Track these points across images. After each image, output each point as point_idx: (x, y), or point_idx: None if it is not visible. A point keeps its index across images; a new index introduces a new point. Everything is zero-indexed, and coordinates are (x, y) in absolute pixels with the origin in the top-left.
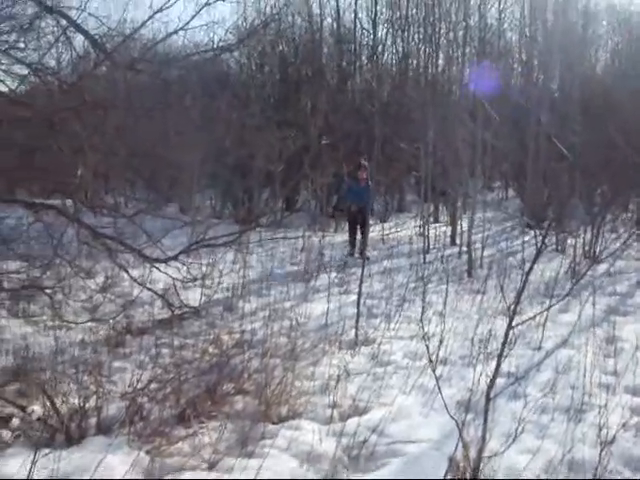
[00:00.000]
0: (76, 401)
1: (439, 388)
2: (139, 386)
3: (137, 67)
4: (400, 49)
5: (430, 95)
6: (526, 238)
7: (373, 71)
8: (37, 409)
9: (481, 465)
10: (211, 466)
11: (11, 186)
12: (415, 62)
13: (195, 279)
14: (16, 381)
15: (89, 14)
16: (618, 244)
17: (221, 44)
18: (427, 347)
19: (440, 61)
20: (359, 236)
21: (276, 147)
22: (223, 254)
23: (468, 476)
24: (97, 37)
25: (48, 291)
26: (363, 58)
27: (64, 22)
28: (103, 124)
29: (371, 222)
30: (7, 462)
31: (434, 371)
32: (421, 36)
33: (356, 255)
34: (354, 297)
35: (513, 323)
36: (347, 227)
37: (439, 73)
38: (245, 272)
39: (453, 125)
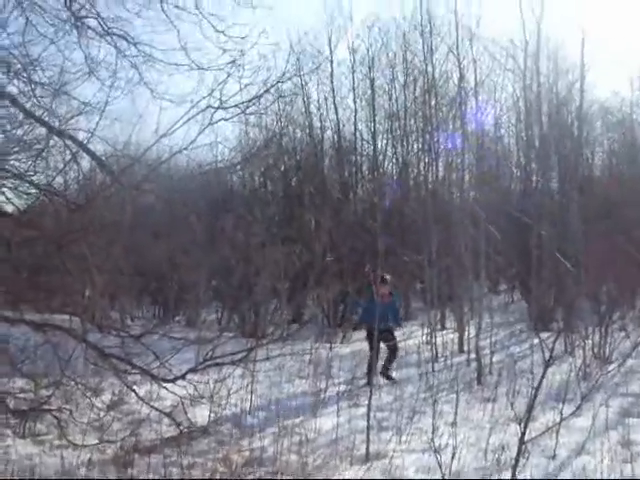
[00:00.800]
0: None
1: None
2: None
3: (143, 187)
4: (400, 159)
5: (431, 203)
6: (535, 341)
7: (374, 182)
8: None
9: None
10: None
11: (18, 306)
12: (415, 171)
13: (203, 397)
14: None
15: (97, 136)
16: (628, 343)
17: (225, 163)
18: (439, 463)
19: (440, 169)
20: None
21: (281, 263)
22: (231, 370)
23: None
24: (104, 159)
25: (55, 411)
26: (364, 169)
27: (71, 143)
28: (110, 244)
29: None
30: None
31: None
32: (420, 145)
33: (377, 380)
34: (363, 410)
35: (526, 437)
36: (355, 336)
37: (439, 181)
38: (253, 387)
39: (455, 232)
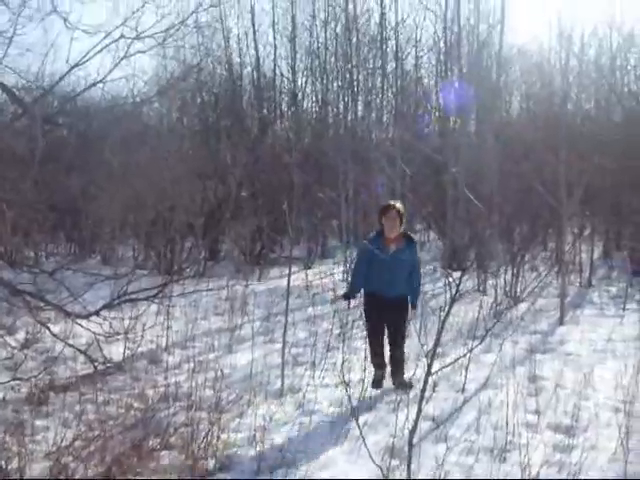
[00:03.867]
0: None
1: (362, 436)
2: (63, 445)
3: (56, 121)
4: (319, 96)
5: (349, 142)
6: (448, 280)
7: (292, 119)
8: None
9: None
10: None
11: None
12: (335, 109)
13: (118, 333)
14: None
15: (6, 67)
16: (538, 282)
17: (141, 96)
18: (349, 396)
19: (359, 108)
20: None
21: (197, 199)
22: (146, 307)
23: None
24: (15, 90)
25: None
26: (283, 106)
27: None
28: (21, 178)
29: (295, 269)
30: None
31: (357, 420)
32: (340, 83)
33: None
34: (279, 346)
35: (433, 368)
36: (272, 274)
37: (358, 120)
38: (169, 324)
39: (372, 171)
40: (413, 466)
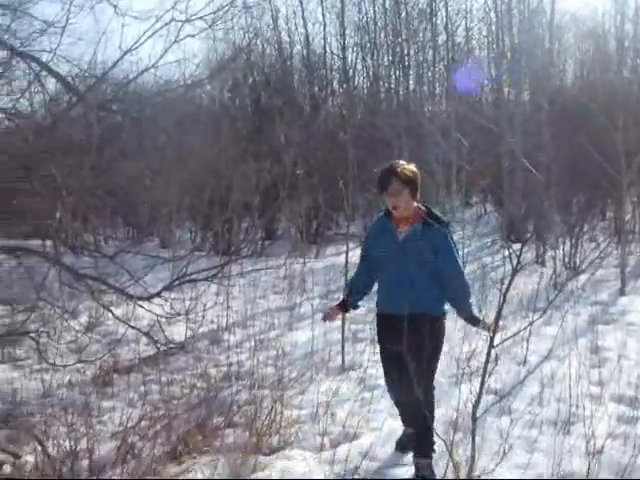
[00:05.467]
0: (67, 444)
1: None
2: (129, 425)
3: (110, 107)
4: (370, 72)
5: (402, 116)
6: (506, 253)
7: (345, 96)
8: (29, 455)
9: None
10: None
11: None
12: (386, 84)
13: (179, 314)
14: (5, 427)
15: (60, 57)
16: (598, 253)
17: (192, 79)
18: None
19: (410, 82)
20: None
21: (252, 178)
22: (206, 287)
23: None
24: (69, 79)
25: (33, 335)
26: (334, 83)
27: (34, 64)
28: (79, 165)
29: (352, 246)
30: None
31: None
32: (390, 58)
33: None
34: (338, 323)
35: (495, 341)
36: (329, 251)
37: (410, 94)
38: (228, 304)
39: (427, 145)
40: (477, 439)
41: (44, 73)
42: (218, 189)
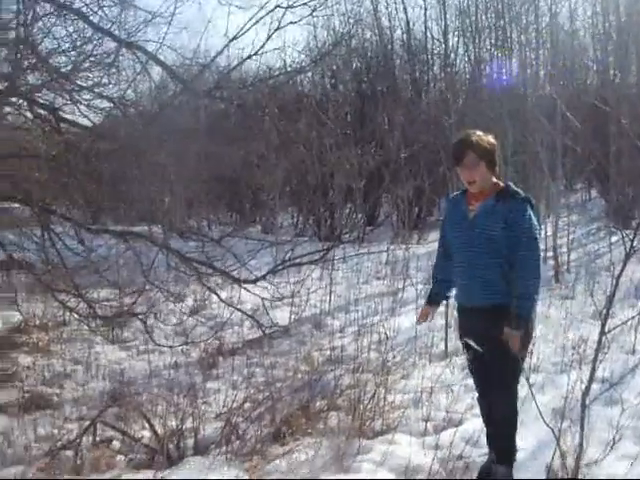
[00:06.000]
0: (173, 423)
1: (533, 396)
2: (233, 406)
3: (214, 94)
4: (472, 56)
5: (505, 100)
6: (613, 239)
7: (446, 81)
8: (137, 432)
9: (579, 473)
10: None
11: (100, 217)
12: (487, 68)
13: (283, 298)
14: (114, 405)
15: (166, 46)
16: None
17: (294, 66)
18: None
19: (514, 65)
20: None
21: (356, 163)
22: (310, 272)
23: None
24: (174, 67)
25: (141, 317)
26: (436, 68)
27: (141, 54)
28: (186, 152)
29: None
30: None
31: (527, 379)
32: (493, 41)
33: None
34: (442, 308)
35: (606, 328)
36: (431, 237)
37: (513, 77)
38: (332, 288)
39: (531, 129)
40: (585, 428)
41: (150, 63)
42: (321, 174)
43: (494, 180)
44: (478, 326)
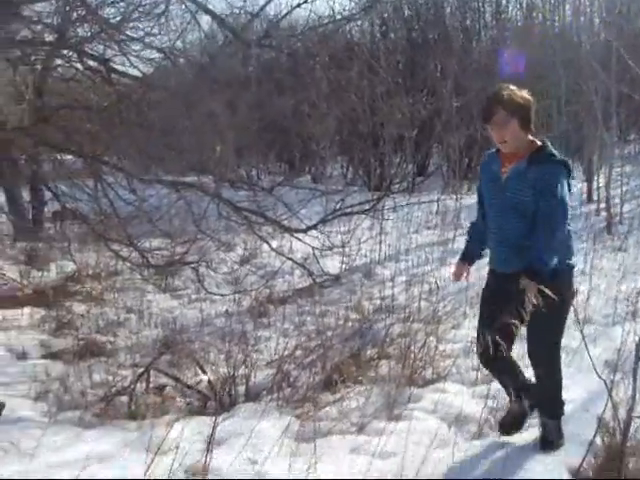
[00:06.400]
0: (225, 370)
1: (586, 347)
2: (285, 354)
3: (264, 43)
4: (524, 3)
5: (558, 48)
6: None
7: (498, 29)
8: (190, 379)
9: (632, 425)
10: (359, 429)
11: (152, 167)
12: (541, 15)
13: (334, 247)
14: (167, 352)
15: None
16: None
17: (344, 14)
18: (573, 306)
19: (567, 12)
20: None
21: (407, 112)
22: (360, 222)
23: (618, 436)
24: (223, 17)
25: (192, 265)
26: (487, 16)
27: (190, 4)
28: (236, 101)
29: None
30: (163, 428)
31: (581, 331)
32: None
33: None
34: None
35: None
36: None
37: (566, 25)
38: (382, 238)
39: (585, 77)
40: (638, 381)
41: (200, 12)
42: (372, 123)
43: (530, 138)
44: (510, 291)
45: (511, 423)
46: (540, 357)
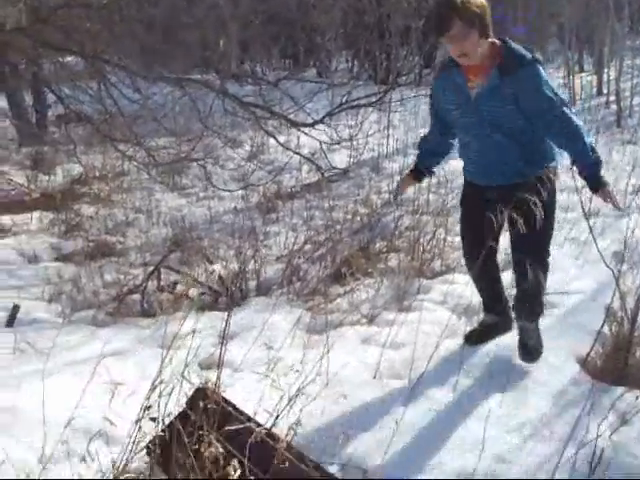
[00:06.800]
0: (235, 265)
1: (594, 239)
2: (294, 248)
3: None
4: None
5: None
6: None
7: None
8: (201, 275)
9: (639, 314)
10: (370, 321)
11: (155, 64)
12: None
13: (341, 141)
14: (177, 250)
15: None
16: None
17: None
18: (580, 200)
19: None
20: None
21: (414, 2)
22: (367, 115)
23: (626, 325)
24: None
25: (200, 162)
26: None
27: None
28: None
29: None
30: (176, 324)
31: (589, 223)
32: None
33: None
34: None
35: None
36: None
37: None
38: (389, 132)
39: None
40: None
41: None
42: (378, 14)
43: (489, 42)
44: (496, 201)
45: (479, 334)
46: (533, 262)
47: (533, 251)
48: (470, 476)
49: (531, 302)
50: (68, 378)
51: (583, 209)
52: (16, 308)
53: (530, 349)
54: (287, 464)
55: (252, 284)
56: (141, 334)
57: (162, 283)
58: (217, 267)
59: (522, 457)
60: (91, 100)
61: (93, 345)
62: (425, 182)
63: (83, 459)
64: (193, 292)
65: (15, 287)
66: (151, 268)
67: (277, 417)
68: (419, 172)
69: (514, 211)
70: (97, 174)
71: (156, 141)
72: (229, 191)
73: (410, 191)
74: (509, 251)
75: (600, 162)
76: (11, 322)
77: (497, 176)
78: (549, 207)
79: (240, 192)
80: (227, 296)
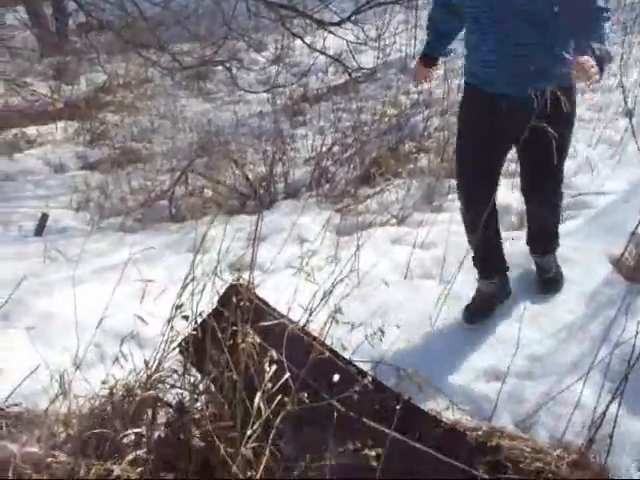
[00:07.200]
0: (263, 169)
1: (634, 135)
2: (322, 150)
3: None
4: None
5: None
6: None
7: None
8: (228, 179)
9: None
10: (400, 221)
11: None
12: None
13: (368, 41)
14: (203, 155)
15: None
16: None
17: None
18: (625, 98)
19: None
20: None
21: None
22: (394, 14)
23: None
24: None
25: (225, 65)
26: None
27: None
28: None
29: None
30: (204, 228)
31: (630, 120)
32: None
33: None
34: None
35: None
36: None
37: None
38: (416, 32)
39: None
40: None
41: None
42: None
43: None
44: (527, 117)
45: (478, 308)
46: (549, 191)
47: (552, 179)
48: (503, 375)
49: (549, 234)
50: (98, 284)
51: (627, 106)
52: (45, 217)
53: (551, 283)
54: (325, 356)
55: (280, 187)
56: (169, 239)
57: (190, 188)
58: (239, 180)
59: (556, 357)
60: (112, 7)
61: (122, 251)
62: (454, 83)
63: (116, 360)
64: (221, 196)
65: (43, 197)
66: (178, 173)
67: (311, 313)
68: (431, 58)
69: (533, 131)
70: (121, 82)
71: (179, 46)
72: (255, 92)
73: (438, 92)
74: None
75: (612, 57)
76: (40, 231)
77: (521, 80)
78: (572, 125)
79: (266, 95)
80: (255, 199)
